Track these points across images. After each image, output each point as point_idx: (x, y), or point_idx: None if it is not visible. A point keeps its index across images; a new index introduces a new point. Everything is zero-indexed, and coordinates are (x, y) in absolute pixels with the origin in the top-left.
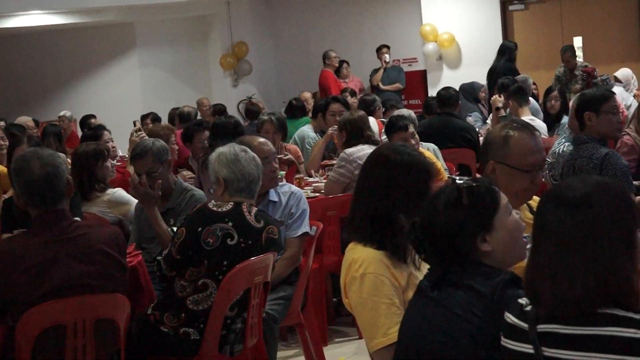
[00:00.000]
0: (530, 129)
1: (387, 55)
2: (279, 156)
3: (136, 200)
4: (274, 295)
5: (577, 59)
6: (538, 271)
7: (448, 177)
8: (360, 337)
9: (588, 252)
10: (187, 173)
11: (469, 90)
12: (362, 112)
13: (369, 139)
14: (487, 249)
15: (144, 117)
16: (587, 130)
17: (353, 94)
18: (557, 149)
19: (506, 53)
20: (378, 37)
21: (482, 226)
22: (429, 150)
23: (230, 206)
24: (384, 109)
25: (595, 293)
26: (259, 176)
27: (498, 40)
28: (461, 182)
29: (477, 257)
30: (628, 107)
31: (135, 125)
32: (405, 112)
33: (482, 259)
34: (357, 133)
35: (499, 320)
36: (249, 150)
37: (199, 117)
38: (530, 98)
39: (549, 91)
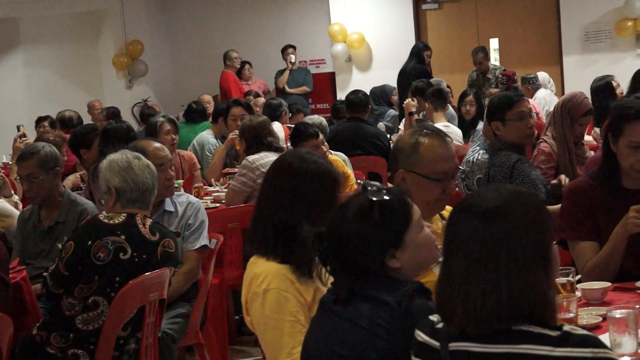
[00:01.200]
0: (441, 135)
1: (293, 56)
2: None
3: (19, 212)
4: (171, 313)
5: (495, 61)
6: (449, 286)
7: (360, 182)
8: (264, 357)
9: (501, 266)
10: (74, 177)
11: (381, 94)
12: (263, 118)
13: (270, 146)
14: (396, 265)
15: (40, 120)
16: (499, 137)
17: (257, 96)
18: (472, 157)
19: (416, 54)
20: (283, 36)
21: (391, 243)
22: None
23: (123, 218)
24: (290, 114)
25: (509, 309)
26: (154, 185)
27: (410, 40)
28: (373, 192)
29: (384, 272)
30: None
31: (19, 130)
32: (315, 118)
33: (390, 274)
34: (256, 140)
35: (407, 331)
36: (142, 157)
37: (89, 121)
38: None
39: (463, 95)
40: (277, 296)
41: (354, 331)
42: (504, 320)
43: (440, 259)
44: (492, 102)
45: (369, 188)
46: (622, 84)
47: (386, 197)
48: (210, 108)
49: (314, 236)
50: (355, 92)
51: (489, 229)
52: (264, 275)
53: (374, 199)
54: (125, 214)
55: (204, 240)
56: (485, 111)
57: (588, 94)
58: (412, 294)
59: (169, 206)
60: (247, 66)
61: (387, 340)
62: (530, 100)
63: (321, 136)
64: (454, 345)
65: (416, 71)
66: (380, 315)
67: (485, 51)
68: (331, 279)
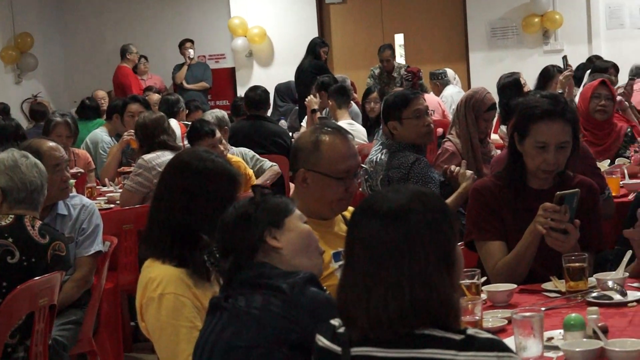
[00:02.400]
0: (342, 132)
1: (191, 51)
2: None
3: None
4: (62, 320)
5: (400, 57)
6: (350, 290)
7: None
8: None
9: (404, 269)
10: None
11: (286, 91)
12: (158, 115)
13: (164, 145)
14: (276, 244)
15: None
16: (397, 138)
17: (157, 92)
18: (375, 157)
19: (313, 50)
20: (181, 30)
21: (272, 222)
22: (238, 156)
23: (11, 219)
24: (187, 111)
25: (411, 313)
26: (43, 185)
27: (313, 35)
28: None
29: (266, 256)
30: None
31: None
32: (217, 112)
33: (272, 260)
34: (149, 138)
35: (299, 317)
36: (30, 155)
37: None
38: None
39: (368, 93)
40: (173, 301)
41: (247, 320)
42: (407, 325)
43: (341, 263)
44: (387, 102)
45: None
46: (529, 81)
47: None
48: (105, 104)
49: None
50: (255, 89)
51: (391, 230)
52: (159, 279)
53: (257, 185)
54: (12, 216)
55: (98, 245)
56: (381, 112)
57: (494, 91)
58: (305, 281)
59: (62, 210)
60: (142, 60)
61: (280, 327)
62: (436, 97)
63: (218, 134)
64: (356, 351)
65: (313, 68)
66: (272, 301)
67: (392, 49)
68: None
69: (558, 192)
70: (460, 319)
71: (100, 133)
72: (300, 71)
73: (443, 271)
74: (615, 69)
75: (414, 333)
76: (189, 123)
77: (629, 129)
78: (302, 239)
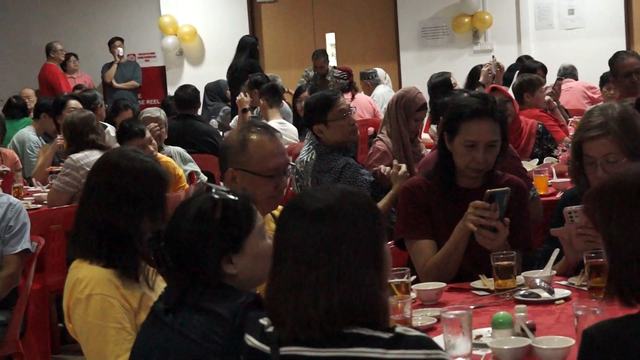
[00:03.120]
0: (270, 130)
1: (120, 49)
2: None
3: None
4: None
5: (331, 56)
6: (279, 289)
7: (201, 182)
8: None
9: (332, 268)
10: None
11: (215, 90)
12: (86, 114)
13: (93, 144)
14: (232, 271)
15: None
16: (323, 140)
17: (86, 91)
18: (305, 157)
19: (247, 48)
20: (110, 28)
21: (230, 246)
22: (170, 156)
23: None
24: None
25: (340, 312)
26: None
27: (244, 34)
28: (218, 192)
29: (219, 278)
30: None
31: None
32: (155, 110)
33: (225, 280)
34: (77, 138)
35: (241, 345)
36: None
37: None
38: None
39: (299, 92)
40: (101, 302)
41: (186, 344)
42: (335, 324)
43: None
44: (309, 105)
45: (214, 189)
46: (459, 81)
47: (231, 197)
48: (32, 103)
49: (152, 234)
50: (184, 88)
51: (319, 229)
52: (87, 280)
53: (217, 197)
54: None
55: (25, 243)
56: (305, 115)
57: (425, 90)
58: (247, 306)
59: None
60: (72, 58)
61: (220, 354)
62: (368, 97)
63: (148, 134)
64: (285, 350)
65: (249, 66)
66: (213, 328)
67: (325, 54)
68: (159, 284)
69: (488, 190)
70: (388, 318)
71: (27, 132)
72: (234, 70)
73: (372, 270)
74: (544, 69)
75: (343, 332)
76: (105, 124)
77: (539, 125)
78: (258, 261)
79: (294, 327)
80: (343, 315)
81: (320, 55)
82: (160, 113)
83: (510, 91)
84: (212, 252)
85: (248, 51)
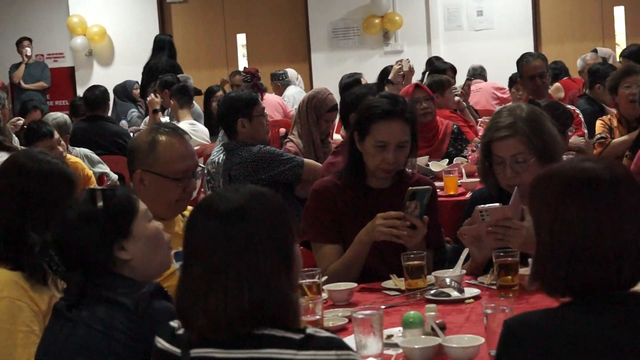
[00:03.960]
0: (179, 132)
1: (28, 49)
2: None
3: None
4: None
5: (243, 57)
6: (189, 291)
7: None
8: None
9: (242, 270)
10: None
11: (122, 91)
12: None
13: (0, 145)
14: (126, 257)
15: None
16: (239, 136)
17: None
18: (217, 158)
19: (166, 48)
20: (18, 28)
21: (119, 232)
22: (78, 157)
23: None
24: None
25: (250, 314)
26: None
27: (155, 35)
28: (96, 188)
29: (116, 268)
30: None
31: None
32: (59, 116)
33: (123, 271)
34: None
35: (146, 334)
36: None
37: None
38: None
39: (212, 92)
40: (9, 305)
41: (90, 335)
42: (246, 325)
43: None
44: (234, 100)
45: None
46: (370, 81)
47: (109, 189)
48: None
49: (39, 246)
50: (93, 89)
51: (229, 231)
52: None
53: (96, 190)
54: None
55: None
56: (227, 110)
57: (336, 91)
58: (150, 295)
59: None
60: None
61: (125, 344)
62: (278, 97)
63: (57, 135)
64: (195, 352)
65: (170, 67)
66: (116, 317)
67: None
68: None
69: (410, 188)
70: (299, 319)
71: None
72: (154, 70)
73: (282, 271)
74: (453, 70)
75: (254, 333)
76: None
77: (454, 126)
78: (150, 244)
79: (204, 329)
80: (253, 317)
81: (236, 74)
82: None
83: None
84: (102, 241)
85: (167, 51)
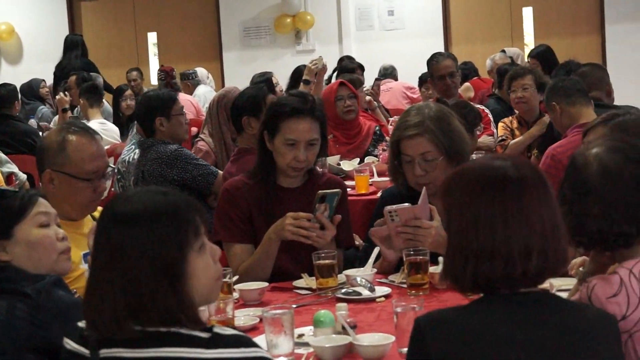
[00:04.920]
0: (90, 132)
1: None
2: None
3: None
4: None
5: (154, 56)
6: (91, 291)
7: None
8: None
9: (116, 275)
10: None
11: (29, 89)
12: None
13: None
14: (5, 258)
15: None
16: (157, 135)
17: None
18: (127, 157)
19: (78, 47)
20: None
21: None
22: None
23: None
24: None
25: (128, 318)
26: None
27: (65, 33)
28: None
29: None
30: None
31: None
32: None
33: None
34: None
35: (48, 321)
36: None
37: None
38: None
39: (121, 91)
40: None
41: None
42: (124, 329)
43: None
44: (153, 98)
45: None
46: (282, 81)
47: (9, 188)
48: None
49: None
50: (0, 87)
51: (118, 233)
52: None
53: None
54: None
55: None
56: (145, 108)
57: None
58: (51, 284)
59: None
60: None
61: (27, 331)
62: (189, 96)
63: None
64: (104, 352)
65: (86, 66)
66: (18, 306)
67: (140, 71)
68: None
69: (320, 191)
70: (199, 320)
71: None
72: (70, 69)
73: (163, 283)
74: (362, 69)
75: (161, 331)
76: None
77: (377, 128)
78: (32, 249)
79: (110, 329)
80: (138, 318)
81: (134, 70)
82: None
83: None
84: None
85: (80, 50)
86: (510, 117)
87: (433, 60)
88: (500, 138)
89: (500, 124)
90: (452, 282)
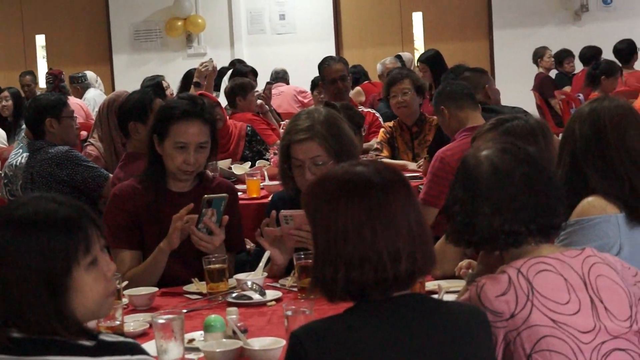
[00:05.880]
0: None
1: None
2: None
3: None
4: None
5: (42, 59)
6: None
7: None
8: None
9: (6, 279)
10: None
11: None
12: None
13: None
14: None
15: None
16: (47, 137)
17: None
18: (15, 161)
19: None
20: None
21: None
22: None
23: None
24: None
25: (24, 322)
26: None
27: None
28: None
29: None
30: None
31: None
32: None
33: None
34: None
35: None
36: None
37: None
38: None
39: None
40: None
41: None
42: (20, 331)
43: None
44: (41, 100)
45: None
46: (173, 85)
47: None
48: None
49: None
50: None
51: (4, 238)
52: None
53: None
54: None
55: None
56: (35, 111)
57: None
58: None
59: None
60: None
61: None
62: (79, 100)
63: None
64: None
65: None
66: None
67: (34, 74)
68: None
69: (206, 196)
70: (82, 331)
71: None
72: None
73: (44, 296)
74: (254, 73)
75: (45, 339)
76: None
77: (248, 128)
78: None
79: None
80: (18, 327)
81: (27, 74)
82: None
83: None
84: None
85: None
86: (392, 122)
87: (324, 64)
88: (375, 146)
89: (381, 130)
90: (322, 291)
